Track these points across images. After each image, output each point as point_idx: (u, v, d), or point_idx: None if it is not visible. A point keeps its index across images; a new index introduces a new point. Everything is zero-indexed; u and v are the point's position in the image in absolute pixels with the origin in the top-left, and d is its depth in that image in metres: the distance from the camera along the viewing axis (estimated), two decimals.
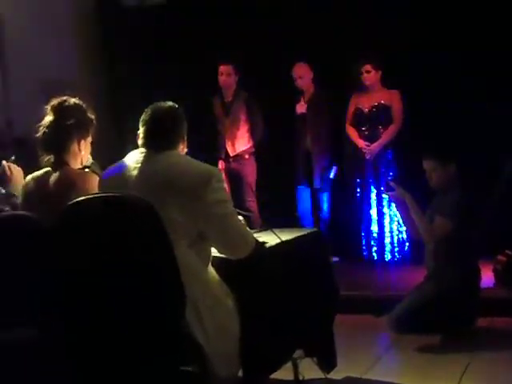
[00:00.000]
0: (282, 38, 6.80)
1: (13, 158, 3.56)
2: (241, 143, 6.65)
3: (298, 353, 3.48)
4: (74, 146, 3.14)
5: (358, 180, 6.49)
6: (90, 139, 3.24)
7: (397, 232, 6.38)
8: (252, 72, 6.71)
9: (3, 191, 3.97)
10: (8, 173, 3.47)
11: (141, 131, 2.93)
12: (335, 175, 6.54)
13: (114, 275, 2.54)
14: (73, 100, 3.17)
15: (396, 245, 6.39)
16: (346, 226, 6.66)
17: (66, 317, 2.46)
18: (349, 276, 5.68)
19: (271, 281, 3.04)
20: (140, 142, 2.92)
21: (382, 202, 6.37)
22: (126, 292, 2.51)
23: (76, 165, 3.16)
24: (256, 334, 2.89)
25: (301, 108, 6.42)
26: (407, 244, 6.34)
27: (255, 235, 3.11)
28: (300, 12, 6.81)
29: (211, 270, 2.88)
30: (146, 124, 2.92)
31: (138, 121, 2.95)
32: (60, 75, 6.84)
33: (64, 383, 1.92)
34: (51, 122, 3.12)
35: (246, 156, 6.66)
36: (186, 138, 3.00)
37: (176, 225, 2.66)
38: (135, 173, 2.82)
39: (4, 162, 3.51)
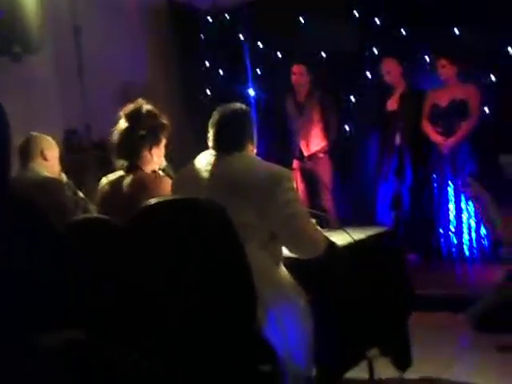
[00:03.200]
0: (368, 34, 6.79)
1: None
2: (315, 142, 6.66)
3: (373, 352, 3.46)
4: (146, 153, 3.21)
5: (435, 176, 6.41)
6: (163, 143, 3.29)
7: (475, 228, 6.24)
8: (323, 71, 6.72)
9: (81, 194, 4.10)
10: None
11: (210, 133, 2.97)
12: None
13: (186, 277, 2.57)
14: (146, 107, 3.22)
15: (475, 242, 6.26)
16: (424, 222, 6.57)
17: (134, 319, 2.51)
18: (427, 273, 5.61)
19: (343, 280, 3.03)
20: (210, 144, 2.96)
21: (459, 197, 6.25)
22: (197, 294, 2.55)
23: (149, 169, 3.23)
24: (329, 334, 2.89)
25: (391, 104, 6.41)
26: (486, 241, 6.20)
27: (327, 234, 3.10)
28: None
29: (283, 270, 2.90)
30: (215, 126, 2.95)
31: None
32: (134, 78, 7.00)
33: None
34: (124, 130, 3.19)
35: (321, 155, 6.66)
36: (254, 139, 3.02)
37: (247, 226, 2.68)
38: (206, 175, 2.86)
39: None
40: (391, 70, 6.49)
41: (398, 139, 6.45)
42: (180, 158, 3.52)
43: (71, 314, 1.84)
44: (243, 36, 7.47)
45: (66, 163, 4.33)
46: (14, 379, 1.67)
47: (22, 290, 1.74)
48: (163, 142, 3.27)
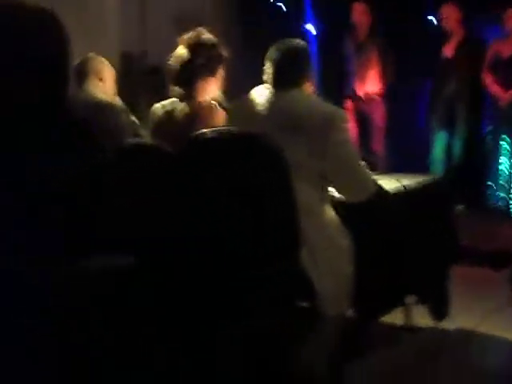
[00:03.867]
0: None
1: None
2: (371, 84, 6.56)
3: (410, 298, 3.47)
4: (203, 82, 3.19)
5: (491, 127, 6.29)
6: (220, 74, 3.27)
7: None
8: (391, 11, 6.57)
9: (134, 119, 4.13)
10: None
11: (267, 67, 2.95)
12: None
13: (232, 209, 2.59)
14: (206, 36, 3.19)
15: None
16: (476, 174, 6.49)
17: (179, 249, 2.55)
18: (473, 226, 5.55)
19: (388, 224, 3.04)
20: (266, 78, 2.94)
21: None
22: (243, 226, 2.57)
23: (204, 99, 3.22)
24: (369, 276, 2.91)
25: (447, 51, 6.26)
26: None
27: (376, 178, 3.09)
28: None
29: (330, 209, 2.90)
30: (272, 61, 2.93)
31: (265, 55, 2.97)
32: (195, 6, 6.93)
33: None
34: (182, 57, 3.17)
35: (376, 97, 6.56)
36: (311, 77, 2.99)
37: (299, 164, 2.68)
38: (262, 110, 2.86)
39: None
40: (449, 16, 6.30)
41: (452, 87, 6.30)
42: (234, 91, 3.51)
43: (115, 240, 1.86)
44: None
45: (120, 86, 4.34)
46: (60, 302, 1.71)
47: (64, 210, 1.76)
48: (220, 73, 3.25)
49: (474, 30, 6.46)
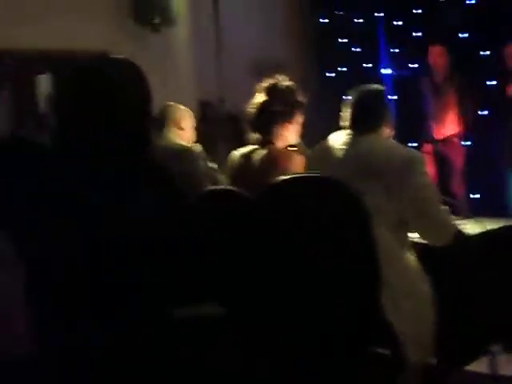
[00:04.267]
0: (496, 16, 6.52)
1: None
2: (450, 126, 6.48)
3: (496, 347, 3.37)
4: (280, 129, 3.22)
5: None
6: (298, 120, 3.29)
7: None
8: (461, 53, 6.52)
9: (213, 165, 4.18)
10: None
11: (346, 113, 2.96)
12: None
13: (312, 255, 2.59)
14: (284, 83, 3.23)
15: None
16: None
17: (256, 293, 2.54)
18: None
19: (471, 270, 2.96)
20: (345, 123, 2.95)
21: None
22: (323, 275, 2.56)
23: (281, 145, 3.24)
24: (452, 323, 2.84)
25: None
26: None
27: (458, 223, 3.04)
28: None
29: (410, 255, 2.86)
30: (352, 106, 2.95)
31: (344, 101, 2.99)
32: (269, 53, 7.04)
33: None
34: (261, 104, 3.21)
35: (455, 139, 6.47)
36: (390, 121, 2.99)
37: (378, 208, 2.66)
38: (340, 154, 2.86)
39: None
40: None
41: None
42: (311, 136, 3.53)
43: (200, 286, 1.88)
44: (379, 12, 7.33)
45: (199, 134, 4.42)
46: (151, 353, 1.73)
47: (153, 261, 1.79)
48: (298, 118, 3.28)
49: None
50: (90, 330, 1.69)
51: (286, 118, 3.21)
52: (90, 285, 1.72)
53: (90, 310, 1.71)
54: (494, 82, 6.53)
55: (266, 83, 3.24)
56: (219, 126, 6.45)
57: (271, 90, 3.21)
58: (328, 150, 2.91)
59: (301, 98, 3.27)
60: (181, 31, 6.69)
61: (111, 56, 1.91)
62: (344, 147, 2.86)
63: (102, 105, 1.80)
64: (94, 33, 5.92)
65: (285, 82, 3.24)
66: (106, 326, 1.69)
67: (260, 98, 3.23)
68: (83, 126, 1.80)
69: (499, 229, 3.28)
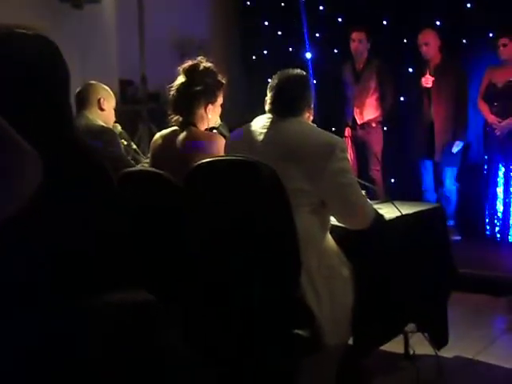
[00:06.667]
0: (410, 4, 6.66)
1: None
2: (369, 111, 6.57)
3: (409, 327, 3.47)
4: (201, 110, 3.21)
5: (486, 157, 6.30)
6: (219, 102, 3.29)
7: None
8: (382, 39, 6.62)
9: (134, 146, 4.15)
10: None
11: (268, 97, 2.96)
12: (460, 150, 6.33)
13: (233, 237, 2.60)
14: (204, 64, 3.22)
15: None
16: (471, 203, 6.49)
17: (183, 277, 2.54)
18: (469, 254, 5.55)
19: (388, 253, 3.03)
20: (267, 107, 2.96)
21: (509, 180, 6.15)
22: (244, 254, 2.58)
23: (203, 127, 3.23)
24: (369, 305, 2.91)
25: (426, 81, 6.19)
26: None
27: (375, 206, 3.10)
28: None
29: (330, 238, 2.91)
30: (273, 90, 2.95)
31: (267, 84, 2.99)
32: (193, 33, 6.99)
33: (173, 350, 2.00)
34: (181, 86, 3.19)
35: (374, 124, 6.56)
36: (311, 106, 3.01)
37: (297, 192, 2.69)
38: (260, 138, 2.87)
39: None
40: (429, 42, 6.21)
41: (430, 116, 6.23)
42: (233, 118, 3.53)
43: (124, 270, 1.86)
44: None
45: (120, 113, 4.36)
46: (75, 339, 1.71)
47: (79, 241, 1.76)
48: (219, 100, 3.27)
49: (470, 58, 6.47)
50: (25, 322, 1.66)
51: (206, 99, 3.20)
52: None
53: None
54: (411, 70, 6.66)
55: (186, 65, 3.22)
56: (141, 106, 6.38)
57: (191, 71, 3.19)
58: (249, 133, 2.91)
59: (222, 79, 3.27)
60: (104, 8, 6.57)
61: (22, 30, 1.84)
62: (264, 131, 2.87)
63: (12, 78, 1.74)
64: (16, 7, 5.74)
65: (205, 63, 3.23)
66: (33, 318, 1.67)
67: (180, 79, 3.21)
68: None
69: (413, 213, 3.37)
